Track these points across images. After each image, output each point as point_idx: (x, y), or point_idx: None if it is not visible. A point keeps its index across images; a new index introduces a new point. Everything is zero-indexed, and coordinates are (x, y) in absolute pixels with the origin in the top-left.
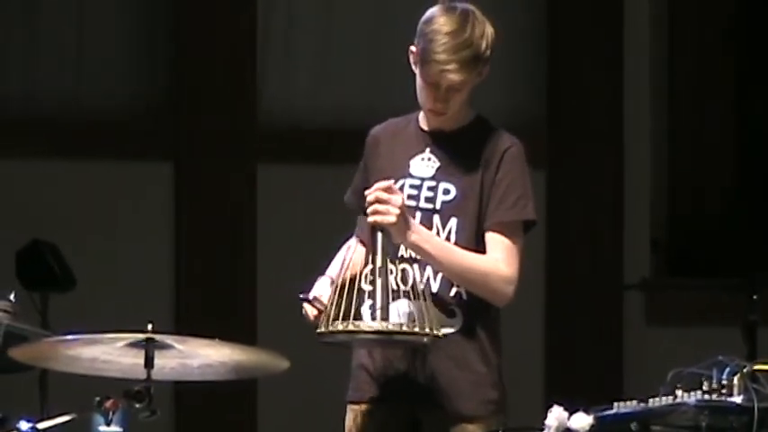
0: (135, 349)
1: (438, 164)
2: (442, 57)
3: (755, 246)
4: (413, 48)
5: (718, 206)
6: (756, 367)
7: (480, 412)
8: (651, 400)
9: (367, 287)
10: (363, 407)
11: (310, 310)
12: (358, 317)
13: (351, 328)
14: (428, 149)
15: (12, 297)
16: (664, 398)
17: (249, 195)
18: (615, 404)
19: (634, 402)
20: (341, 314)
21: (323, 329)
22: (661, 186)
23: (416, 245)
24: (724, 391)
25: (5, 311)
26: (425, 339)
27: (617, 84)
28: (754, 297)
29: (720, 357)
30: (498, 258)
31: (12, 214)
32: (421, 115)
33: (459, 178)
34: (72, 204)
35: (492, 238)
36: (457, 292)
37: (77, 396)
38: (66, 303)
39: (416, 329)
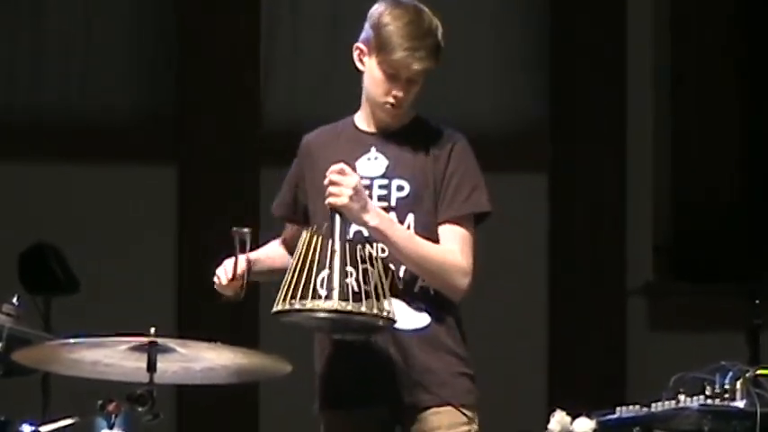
0: (138, 353)
1: (387, 161)
2: (409, 44)
3: (758, 251)
4: (359, 44)
5: (721, 211)
6: (759, 372)
7: (462, 400)
8: (654, 404)
9: (324, 271)
10: (337, 413)
11: (221, 274)
12: (315, 296)
13: (308, 306)
14: (373, 149)
15: (15, 300)
16: (666, 402)
17: (252, 199)
18: (618, 409)
19: (637, 407)
20: (298, 293)
21: (279, 308)
22: (664, 191)
23: (375, 228)
24: (727, 395)
25: (8, 315)
26: (380, 322)
27: (619, 87)
28: (757, 302)
29: (723, 362)
30: (454, 250)
31: (15, 217)
32: (357, 117)
33: (411, 174)
34: (75, 208)
35: (446, 231)
36: (423, 288)
37: (80, 399)
38: (68, 306)
39: (374, 311)
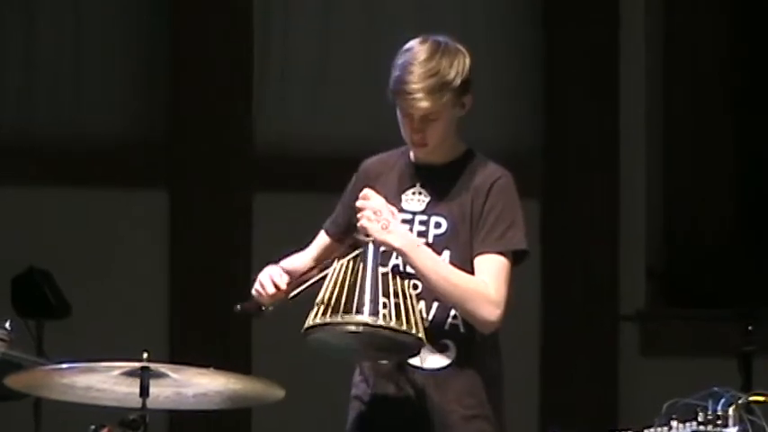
0: (130, 378)
1: (428, 198)
2: (409, 86)
3: (751, 276)
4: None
5: (714, 237)
6: (751, 398)
7: None
8: (646, 430)
9: (356, 292)
10: None
11: (268, 285)
12: (346, 312)
13: (338, 320)
14: (418, 184)
15: (7, 325)
16: (659, 428)
17: (244, 223)
18: None
19: None
20: (329, 311)
21: (309, 323)
22: (656, 217)
23: (399, 249)
24: (719, 422)
25: (1, 339)
26: (410, 340)
27: (612, 113)
28: (750, 328)
29: (716, 388)
30: (486, 281)
31: (7, 241)
32: (412, 151)
33: (449, 211)
34: (67, 232)
35: (480, 264)
36: (453, 324)
37: (72, 425)
38: (61, 331)
39: (403, 328)
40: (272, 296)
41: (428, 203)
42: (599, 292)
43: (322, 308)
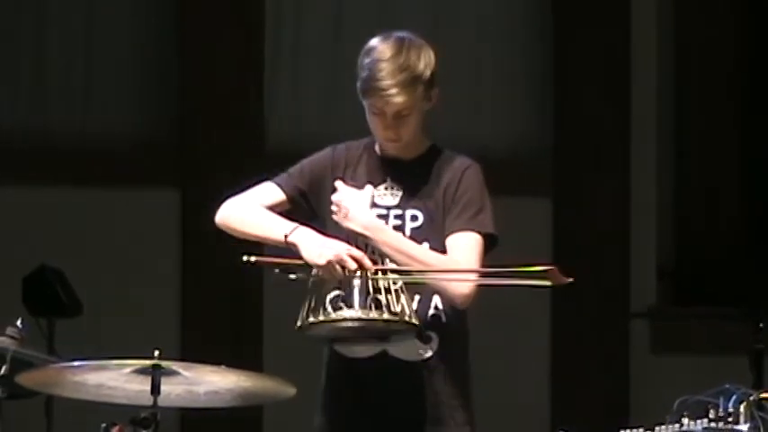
0: (141, 376)
1: (401, 192)
2: (382, 83)
3: (762, 275)
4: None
5: (725, 235)
6: (763, 396)
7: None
8: (658, 428)
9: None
10: None
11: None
12: (337, 308)
13: (332, 317)
14: (389, 179)
15: (19, 323)
16: (671, 426)
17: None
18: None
19: (641, 430)
20: (320, 307)
21: (301, 323)
22: (667, 216)
23: (365, 234)
24: (730, 419)
25: (12, 338)
26: (404, 327)
27: (623, 112)
28: (761, 326)
29: (727, 386)
30: (457, 259)
31: (19, 240)
32: (377, 144)
33: (424, 204)
34: (79, 231)
35: (453, 241)
36: (435, 315)
37: (83, 423)
38: (72, 329)
39: (395, 318)
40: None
41: (401, 198)
42: (610, 291)
43: (312, 305)
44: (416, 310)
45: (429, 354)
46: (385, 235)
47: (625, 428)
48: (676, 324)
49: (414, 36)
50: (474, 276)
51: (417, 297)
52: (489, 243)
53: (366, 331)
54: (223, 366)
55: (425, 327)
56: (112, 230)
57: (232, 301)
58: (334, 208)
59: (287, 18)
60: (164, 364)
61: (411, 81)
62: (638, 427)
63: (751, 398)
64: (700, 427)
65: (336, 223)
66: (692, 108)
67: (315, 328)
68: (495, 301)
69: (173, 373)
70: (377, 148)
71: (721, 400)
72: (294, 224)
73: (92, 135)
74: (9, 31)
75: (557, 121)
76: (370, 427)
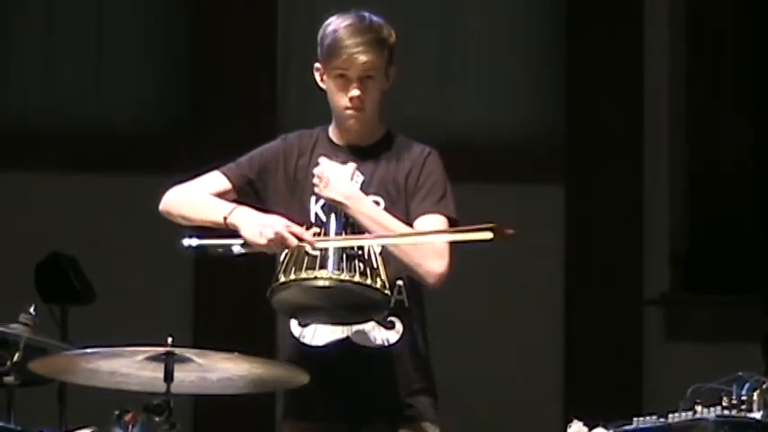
0: (154, 363)
1: (362, 178)
2: (349, 41)
3: None
4: (316, 64)
5: (738, 222)
6: None
7: (426, 414)
8: (671, 415)
9: (316, 252)
10: (300, 424)
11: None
12: (309, 268)
13: (304, 275)
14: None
15: (32, 310)
16: (683, 413)
17: None
18: (635, 419)
19: (654, 418)
20: (291, 270)
21: (274, 284)
22: (680, 202)
23: (344, 203)
24: (744, 406)
25: (25, 324)
26: (378, 296)
27: (636, 99)
28: None
29: (740, 373)
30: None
31: (32, 227)
32: (331, 130)
33: (385, 189)
34: (92, 217)
35: (422, 223)
36: (399, 300)
37: (97, 409)
38: (85, 316)
39: (370, 283)
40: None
41: (362, 183)
42: (623, 278)
43: (285, 266)
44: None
45: (393, 340)
46: (363, 205)
47: (638, 416)
48: (689, 311)
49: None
50: (420, 238)
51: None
52: (452, 227)
53: (337, 298)
54: (236, 353)
55: (389, 313)
56: (126, 217)
57: (245, 288)
58: (315, 180)
59: (299, 7)
60: (177, 351)
61: (376, 41)
62: (651, 415)
63: (764, 385)
64: (713, 415)
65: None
66: (705, 95)
67: (285, 291)
68: (508, 288)
69: (186, 359)
70: (332, 134)
71: (734, 388)
72: (233, 205)
73: (105, 122)
74: (21, 18)
75: (570, 108)
76: (335, 414)
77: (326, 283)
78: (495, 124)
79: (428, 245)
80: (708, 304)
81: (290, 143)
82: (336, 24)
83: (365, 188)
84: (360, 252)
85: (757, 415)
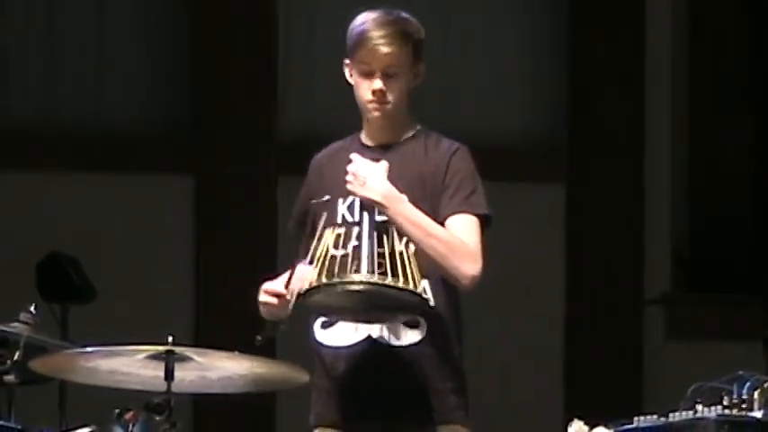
0: (155, 362)
1: (386, 175)
2: (372, 33)
3: None
4: (346, 60)
5: (739, 222)
6: None
7: (449, 419)
8: (671, 414)
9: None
10: (330, 430)
11: (268, 298)
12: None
13: (338, 279)
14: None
15: (32, 309)
16: (684, 412)
17: (269, 209)
18: (635, 419)
19: (655, 417)
20: (323, 273)
21: (309, 285)
22: (681, 202)
23: (382, 203)
24: (744, 406)
25: (26, 323)
26: (413, 299)
27: (637, 100)
28: None
29: (741, 372)
30: (462, 237)
31: (32, 226)
32: (363, 133)
33: (410, 186)
34: (92, 217)
35: (452, 224)
36: (423, 289)
37: (97, 408)
38: (85, 315)
39: (404, 285)
40: (279, 304)
41: (389, 181)
42: (624, 277)
43: (319, 270)
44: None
45: (417, 338)
46: (402, 206)
47: (639, 415)
48: (690, 310)
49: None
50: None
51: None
52: (485, 223)
53: (371, 300)
54: (236, 352)
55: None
56: (126, 216)
57: (245, 287)
58: (350, 177)
59: (300, 7)
60: (177, 349)
61: (400, 34)
62: (651, 414)
63: (765, 384)
64: (713, 414)
65: (349, 193)
66: (707, 93)
67: (319, 294)
68: (508, 287)
69: (186, 358)
70: (362, 137)
71: (735, 387)
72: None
73: (106, 121)
74: (21, 18)
75: (571, 108)
76: (361, 414)
77: (362, 287)
78: (496, 124)
79: (463, 247)
80: (708, 304)
81: (317, 162)
82: (363, 18)
83: (391, 185)
84: (395, 252)
85: (758, 414)
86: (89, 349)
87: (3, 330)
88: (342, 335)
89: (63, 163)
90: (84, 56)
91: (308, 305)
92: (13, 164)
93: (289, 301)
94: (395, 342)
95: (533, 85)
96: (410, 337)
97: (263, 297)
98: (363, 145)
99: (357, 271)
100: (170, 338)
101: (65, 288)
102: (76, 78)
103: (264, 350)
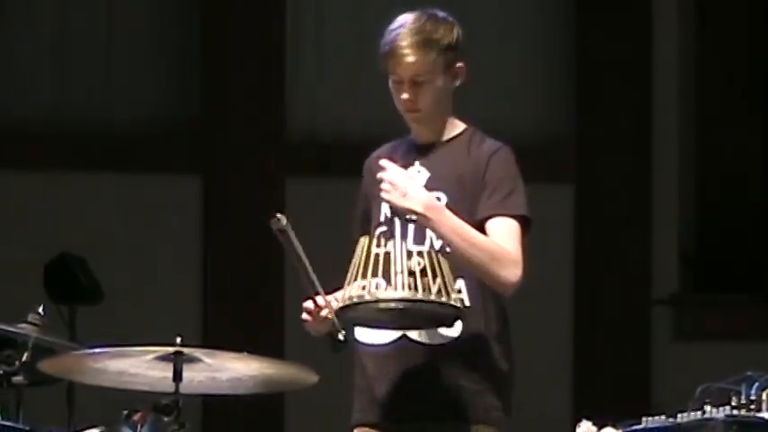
0: (163, 362)
1: (428, 174)
2: (395, 44)
3: None
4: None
5: (747, 222)
6: None
7: (483, 419)
8: (680, 415)
9: (387, 266)
10: (370, 430)
11: (308, 307)
12: (379, 288)
13: (370, 297)
14: (417, 162)
15: (40, 310)
16: (692, 413)
17: (277, 208)
18: (644, 419)
19: (663, 417)
20: (360, 288)
21: (343, 303)
22: (689, 202)
23: (423, 214)
24: (753, 406)
25: (34, 324)
26: (449, 311)
27: (645, 100)
28: None
29: (749, 373)
30: (502, 243)
31: (40, 227)
32: (413, 132)
33: (449, 186)
34: (100, 217)
35: (491, 228)
36: (459, 298)
37: (105, 409)
38: (94, 316)
39: (437, 299)
40: (316, 321)
41: (428, 179)
42: (632, 277)
43: (355, 286)
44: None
45: (451, 338)
46: (444, 216)
47: (647, 415)
48: (698, 311)
49: (440, 12)
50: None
51: (438, 279)
52: (524, 224)
53: (408, 315)
54: (245, 353)
55: None
56: (135, 217)
57: (254, 288)
58: (386, 186)
59: (308, 5)
60: (186, 350)
61: (424, 43)
62: (659, 414)
63: None
64: (722, 415)
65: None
66: (714, 93)
67: (353, 311)
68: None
69: (195, 359)
70: (413, 136)
71: (743, 388)
72: None
73: (114, 121)
74: (31, 18)
75: (579, 107)
76: (397, 413)
77: (398, 305)
78: (505, 124)
79: (504, 254)
80: (717, 304)
81: (370, 161)
82: (394, 25)
83: (430, 184)
84: (428, 264)
85: (766, 414)
86: (97, 350)
87: (11, 331)
88: (379, 332)
89: (69, 163)
90: (92, 57)
91: (345, 319)
92: (23, 164)
93: (325, 318)
94: (429, 341)
95: (542, 86)
96: (445, 335)
97: (303, 315)
98: (413, 144)
99: (392, 288)
100: (178, 339)
101: (73, 289)
102: (85, 78)
103: (273, 351)
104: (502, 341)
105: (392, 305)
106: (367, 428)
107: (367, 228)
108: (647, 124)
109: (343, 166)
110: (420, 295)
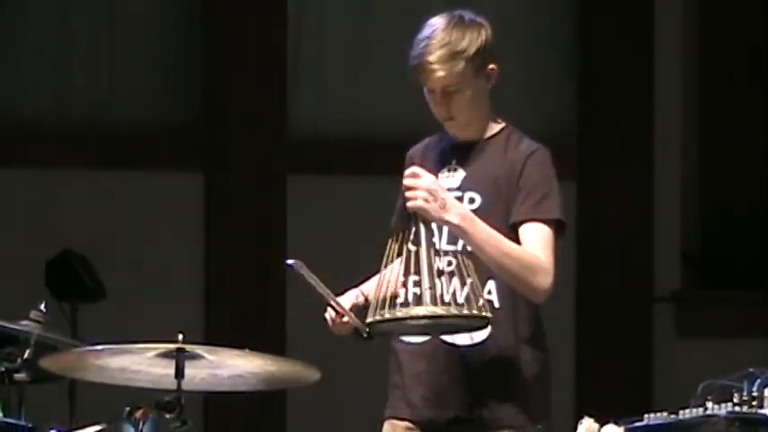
0: (165, 359)
1: (464, 173)
2: (421, 59)
3: None
4: None
5: (749, 219)
6: None
7: (513, 422)
8: (682, 411)
9: (411, 277)
10: (400, 424)
11: (330, 314)
12: (405, 304)
13: (399, 314)
14: (454, 161)
15: (42, 307)
16: (694, 410)
17: (279, 207)
18: (646, 416)
19: (665, 414)
20: (387, 302)
21: (371, 319)
22: (691, 199)
23: (457, 225)
24: (755, 403)
25: (36, 321)
26: (476, 322)
27: (647, 96)
28: None
29: (751, 369)
30: (534, 249)
31: (42, 225)
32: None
33: (484, 186)
34: (102, 215)
35: (524, 233)
36: (488, 301)
37: (107, 406)
38: (95, 314)
39: (465, 312)
40: (339, 326)
41: (463, 179)
42: (634, 275)
43: (381, 300)
44: (468, 294)
45: (480, 338)
46: (478, 227)
47: (649, 412)
48: (701, 308)
49: (472, 15)
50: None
51: (470, 280)
52: (558, 228)
53: (436, 327)
54: (247, 350)
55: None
56: (136, 214)
57: (256, 285)
58: (422, 194)
59: (310, 7)
60: (188, 347)
61: (450, 57)
62: (662, 411)
63: None
64: (724, 411)
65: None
66: (717, 92)
67: (381, 327)
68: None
69: (197, 356)
70: (452, 132)
71: (745, 384)
72: None
73: (116, 119)
74: (34, 17)
75: (581, 105)
76: (427, 412)
77: (426, 321)
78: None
79: (536, 262)
80: (719, 301)
81: (411, 155)
82: (420, 36)
83: (465, 184)
84: (459, 265)
85: None
86: (99, 347)
87: (13, 328)
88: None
89: (73, 161)
90: (95, 56)
91: (373, 334)
92: (24, 162)
93: (346, 323)
94: (457, 342)
95: (543, 85)
96: (475, 337)
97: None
98: (452, 141)
99: (419, 304)
100: (180, 336)
101: (75, 286)
102: (88, 78)
103: (275, 348)
104: (533, 344)
105: (422, 322)
106: (396, 421)
107: (407, 222)
108: (650, 122)
109: (344, 165)
110: (451, 310)
